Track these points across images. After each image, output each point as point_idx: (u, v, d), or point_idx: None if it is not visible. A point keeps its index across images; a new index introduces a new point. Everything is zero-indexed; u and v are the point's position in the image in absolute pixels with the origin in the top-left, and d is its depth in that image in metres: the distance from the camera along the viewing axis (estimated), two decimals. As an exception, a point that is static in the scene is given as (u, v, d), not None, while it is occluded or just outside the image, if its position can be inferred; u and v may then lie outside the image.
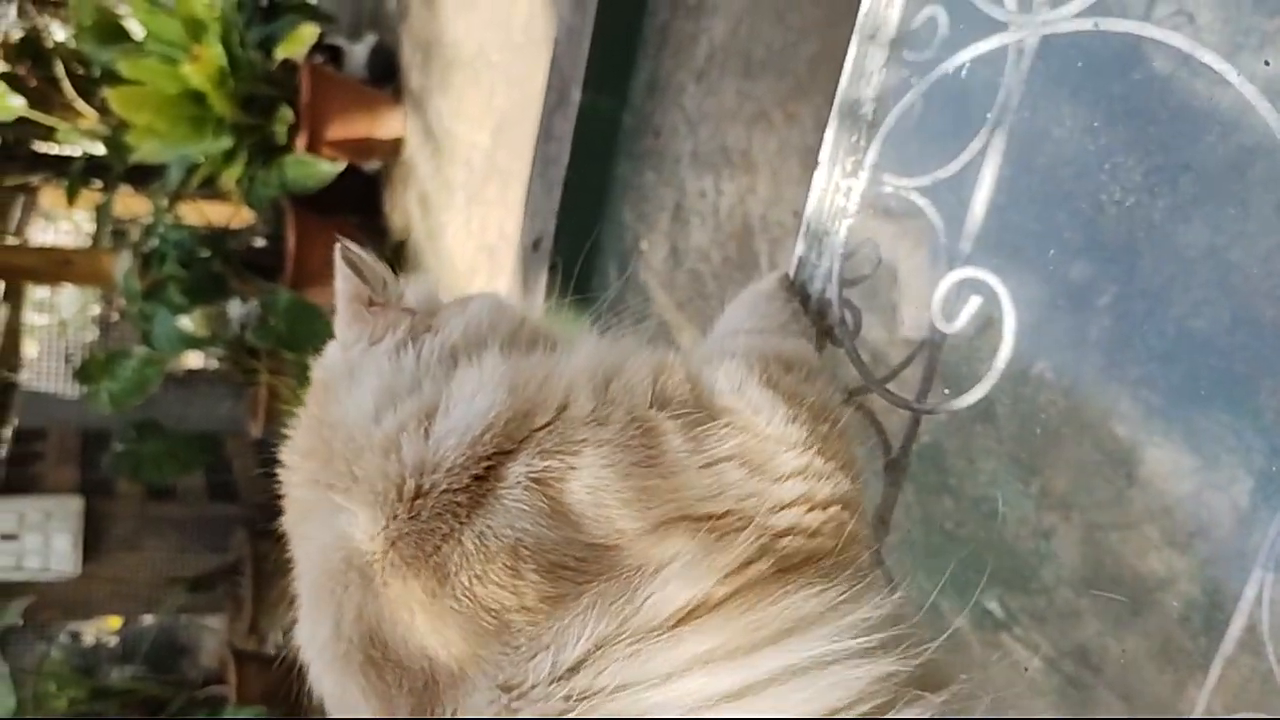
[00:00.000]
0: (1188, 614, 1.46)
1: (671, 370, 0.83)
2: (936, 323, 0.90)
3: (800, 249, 0.98)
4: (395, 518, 0.75)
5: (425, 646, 0.74)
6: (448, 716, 0.71)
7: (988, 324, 0.85)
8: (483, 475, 0.75)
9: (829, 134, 0.93)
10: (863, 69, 0.91)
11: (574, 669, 0.67)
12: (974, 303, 0.85)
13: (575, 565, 0.72)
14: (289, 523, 0.89)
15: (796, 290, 1.03)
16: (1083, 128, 0.74)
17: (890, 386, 0.95)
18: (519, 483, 0.74)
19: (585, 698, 0.66)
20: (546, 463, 0.75)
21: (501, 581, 0.71)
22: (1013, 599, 1.72)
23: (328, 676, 0.80)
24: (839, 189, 0.93)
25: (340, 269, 0.96)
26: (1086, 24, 0.74)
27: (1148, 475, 1.49)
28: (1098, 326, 1.25)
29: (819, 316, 0.99)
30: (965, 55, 0.82)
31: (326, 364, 0.95)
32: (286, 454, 0.90)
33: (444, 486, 0.75)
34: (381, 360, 0.88)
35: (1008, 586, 1.74)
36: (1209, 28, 0.70)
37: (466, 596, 0.71)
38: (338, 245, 0.96)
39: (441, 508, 0.74)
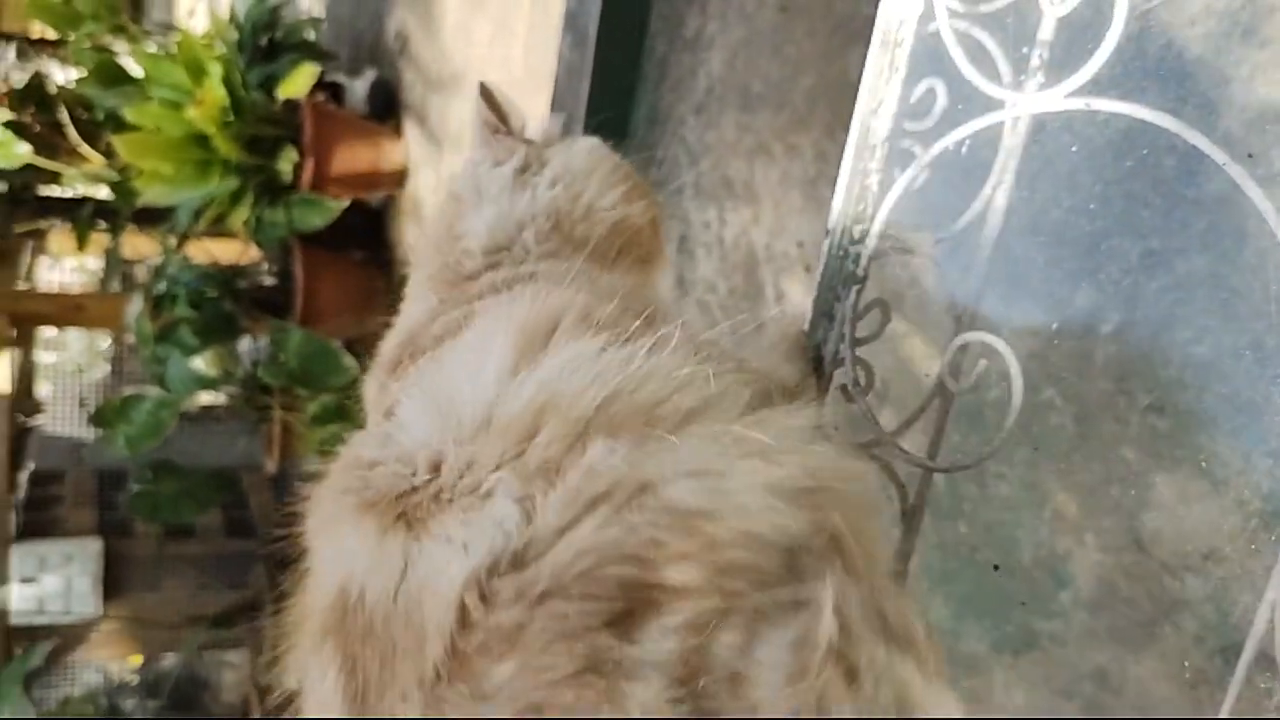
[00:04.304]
0: (1203, 635, 1.48)
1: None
2: (946, 382, 0.93)
3: (812, 311, 1.01)
4: None
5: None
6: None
7: (995, 386, 0.88)
8: None
9: (836, 202, 0.96)
10: (867, 139, 0.94)
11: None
12: (981, 364, 0.88)
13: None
14: (412, 284, 1.12)
15: (810, 348, 1.07)
16: (1078, 209, 0.77)
17: (903, 441, 0.98)
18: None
19: None
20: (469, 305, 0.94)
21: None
22: (1030, 622, 1.74)
23: None
24: (848, 255, 0.96)
25: (477, 100, 1.17)
26: (1079, 104, 0.77)
27: (1158, 499, 1.51)
28: (1103, 353, 1.28)
29: (831, 374, 1.02)
30: (965, 130, 0.85)
31: (461, 175, 1.17)
32: (417, 237, 1.15)
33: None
34: (500, 189, 1.11)
35: (1025, 610, 1.76)
36: (1198, 111, 0.73)
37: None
38: (479, 82, 1.18)
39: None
